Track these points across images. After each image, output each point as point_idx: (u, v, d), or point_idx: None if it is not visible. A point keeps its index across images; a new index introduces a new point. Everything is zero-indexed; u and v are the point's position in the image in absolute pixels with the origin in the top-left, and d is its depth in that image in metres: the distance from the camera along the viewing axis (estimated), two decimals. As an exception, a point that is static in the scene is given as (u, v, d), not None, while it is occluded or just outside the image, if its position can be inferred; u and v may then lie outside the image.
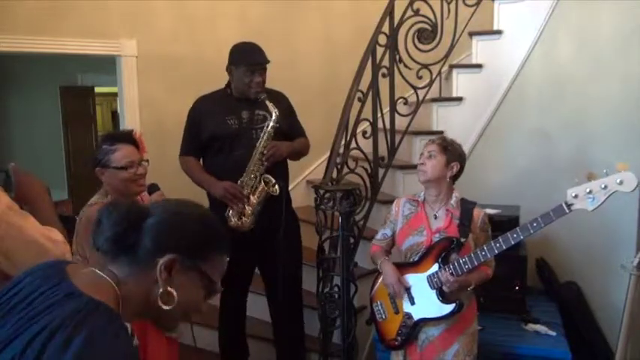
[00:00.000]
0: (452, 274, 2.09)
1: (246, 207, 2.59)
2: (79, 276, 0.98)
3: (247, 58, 2.63)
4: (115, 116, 9.03)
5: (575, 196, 1.93)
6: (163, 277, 0.98)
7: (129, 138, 1.99)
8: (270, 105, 2.58)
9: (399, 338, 2.24)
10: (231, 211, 2.59)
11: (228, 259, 1.08)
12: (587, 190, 1.91)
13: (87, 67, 6.69)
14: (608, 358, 2.95)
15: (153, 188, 1.95)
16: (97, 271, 0.99)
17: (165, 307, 0.99)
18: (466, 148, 3.50)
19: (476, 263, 2.07)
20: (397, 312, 2.26)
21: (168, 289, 0.99)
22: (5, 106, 6.92)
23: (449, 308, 2.12)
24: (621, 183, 1.87)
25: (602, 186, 1.89)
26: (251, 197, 2.60)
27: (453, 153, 2.19)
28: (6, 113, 6.95)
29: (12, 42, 3.22)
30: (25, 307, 0.93)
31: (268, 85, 2.77)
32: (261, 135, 2.59)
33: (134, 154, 1.95)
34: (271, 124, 2.58)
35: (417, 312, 2.20)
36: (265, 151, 2.58)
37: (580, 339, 3.17)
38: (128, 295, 0.98)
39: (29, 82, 6.78)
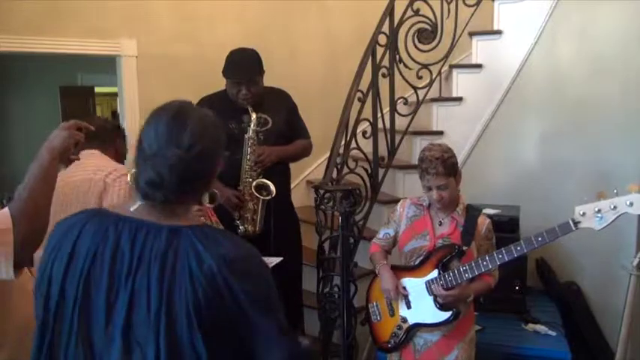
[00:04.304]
0: (448, 288, 2.06)
1: (247, 214, 2.61)
2: None
3: (231, 72, 2.65)
4: (115, 116, 9.02)
5: (583, 214, 1.88)
6: None
7: None
8: (253, 114, 2.61)
9: (392, 341, 2.22)
10: (238, 220, 2.63)
11: None
12: (596, 210, 1.85)
13: (87, 67, 6.69)
14: (608, 358, 2.95)
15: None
16: None
17: None
18: (466, 149, 3.53)
19: (476, 273, 2.04)
20: (392, 314, 2.23)
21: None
22: (5, 106, 6.91)
23: (444, 316, 2.10)
24: (631, 205, 1.82)
25: (612, 206, 1.84)
26: (249, 204, 2.61)
27: (453, 167, 2.09)
28: (5, 113, 6.94)
29: (12, 42, 3.22)
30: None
31: (268, 84, 2.77)
32: (245, 142, 2.61)
33: None
34: (251, 129, 2.61)
35: (413, 316, 2.18)
36: (253, 157, 2.61)
37: (580, 339, 3.17)
38: None
39: (29, 82, 6.77)
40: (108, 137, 2.20)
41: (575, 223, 1.89)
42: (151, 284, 1.01)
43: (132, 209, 1.09)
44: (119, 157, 2.25)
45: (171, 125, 1.11)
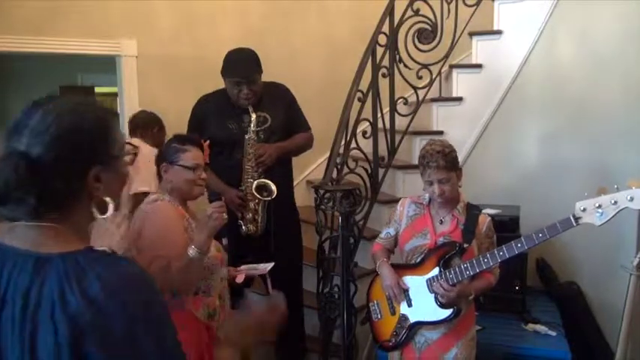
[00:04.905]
0: (450, 284, 2.06)
1: (249, 214, 2.62)
2: None
3: (231, 72, 2.65)
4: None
5: (584, 210, 1.88)
6: None
7: (198, 142, 2.06)
8: (252, 114, 2.62)
9: (393, 339, 2.22)
10: (241, 220, 2.64)
11: None
12: (597, 205, 1.86)
13: (87, 67, 6.69)
14: (608, 358, 2.94)
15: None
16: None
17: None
18: (466, 148, 3.53)
19: (477, 270, 2.04)
20: (393, 313, 2.23)
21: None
22: (5, 107, 6.92)
23: (445, 314, 2.09)
24: (632, 199, 1.82)
25: (612, 201, 1.84)
26: (250, 204, 2.61)
27: (454, 162, 2.10)
28: (6, 113, 6.94)
29: (12, 42, 3.22)
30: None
31: (268, 80, 2.78)
32: (245, 142, 2.61)
33: (201, 158, 2.02)
34: (250, 130, 2.61)
35: (414, 314, 2.17)
36: (254, 157, 2.61)
37: (580, 339, 3.17)
38: None
39: (29, 82, 6.78)
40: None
41: (576, 219, 1.89)
42: (14, 328, 0.86)
43: (8, 228, 0.93)
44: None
45: (15, 124, 0.94)
